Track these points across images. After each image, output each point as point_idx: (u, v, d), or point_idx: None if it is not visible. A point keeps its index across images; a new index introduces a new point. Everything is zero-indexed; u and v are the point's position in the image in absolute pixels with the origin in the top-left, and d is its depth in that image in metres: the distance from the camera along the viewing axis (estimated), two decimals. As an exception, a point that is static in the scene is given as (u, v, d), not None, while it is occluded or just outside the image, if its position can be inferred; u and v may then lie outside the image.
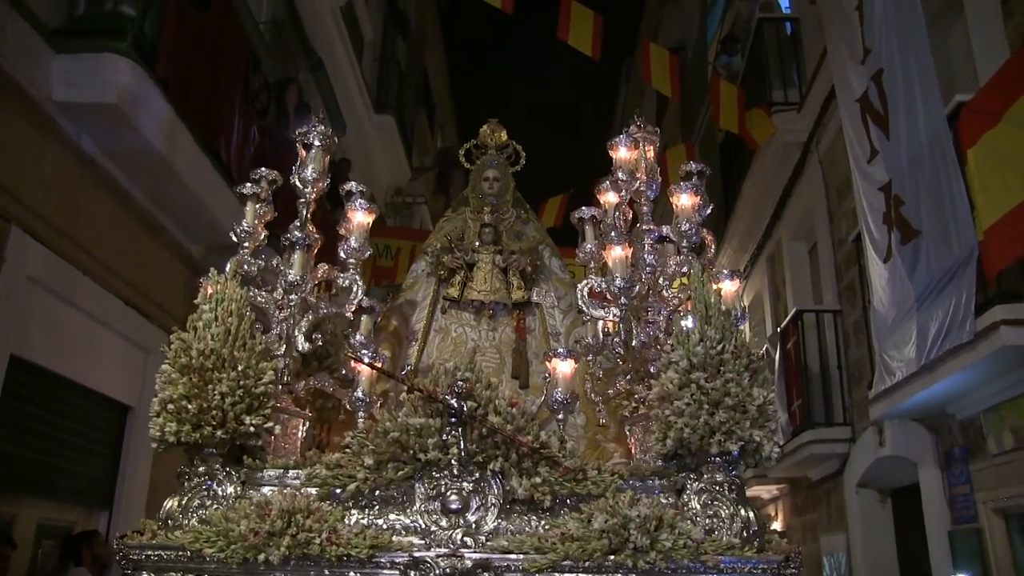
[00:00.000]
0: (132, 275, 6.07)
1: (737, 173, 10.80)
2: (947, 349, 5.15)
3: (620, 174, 3.94)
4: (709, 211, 3.89)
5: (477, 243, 4.73)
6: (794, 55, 9.67)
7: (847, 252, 8.16)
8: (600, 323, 3.91)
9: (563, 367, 3.56)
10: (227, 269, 3.60)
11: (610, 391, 3.92)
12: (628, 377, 3.79)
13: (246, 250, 3.81)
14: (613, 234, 3.70)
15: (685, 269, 3.73)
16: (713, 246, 3.99)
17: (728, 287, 3.70)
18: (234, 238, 3.83)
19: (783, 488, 10.54)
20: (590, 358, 3.99)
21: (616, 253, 3.63)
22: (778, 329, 9.20)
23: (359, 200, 4.03)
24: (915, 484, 6.83)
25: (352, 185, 4.19)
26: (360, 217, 3.99)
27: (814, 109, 8.73)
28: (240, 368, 3.27)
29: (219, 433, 3.20)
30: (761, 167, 9.88)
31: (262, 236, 3.91)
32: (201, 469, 3.26)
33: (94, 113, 5.19)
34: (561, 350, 3.61)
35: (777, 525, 10.56)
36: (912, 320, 5.67)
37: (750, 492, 10.48)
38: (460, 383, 3.27)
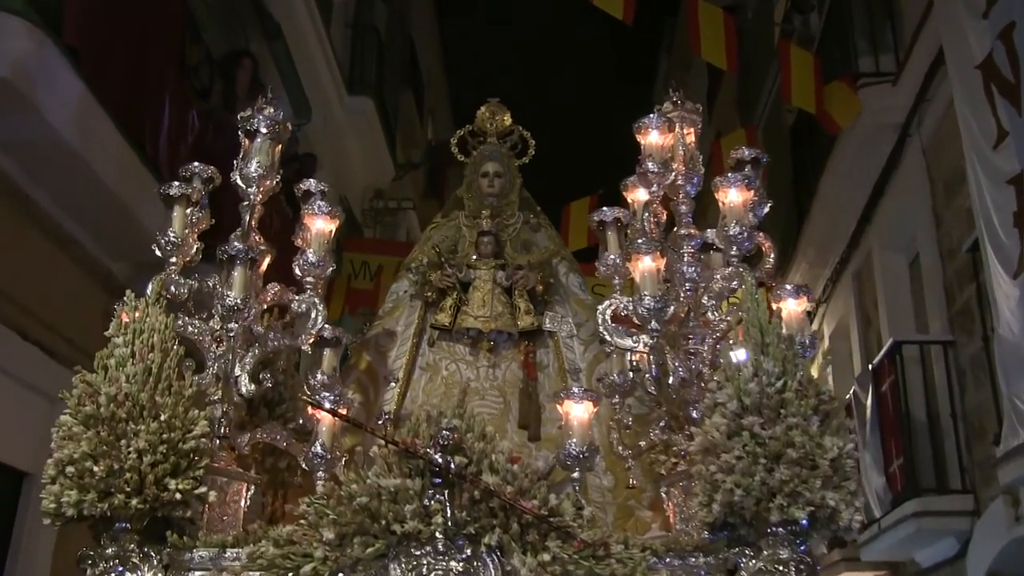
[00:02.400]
0: (33, 301, 6.09)
1: (813, 165, 10.80)
2: (1107, 392, 5.07)
3: (651, 164, 3.97)
4: (767, 210, 3.92)
5: (474, 256, 4.79)
6: (887, 10, 9.68)
7: (960, 265, 8.10)
8: (628, 355, 3.92)
9: (578, 411, 3.57)
10: (148, 291, 3.64)
11: (643, 443, 3.93)
12: (663, 424, 3.80)
13: (173, 267, 3.86)
14: (641, 241, 3.73)
15: (735, 284, 3.74)
16: (772, 254, 4.01)
17: (792, 307, 3.71)
18: (158, 252, 3.89)
19: None
20: (616, 401, 4.00)
21: (645, 265, 3.65)
22: (870, 366, 9.14)
23: (319, 202, 4.09)
24: (1074, 575, 6.68)
25: (310, 184, 4.24)
26: (320, 224, 4.04)
27: (915, 80, 8.71)
28: (164, 418, 3.30)
29: (134, 503, 3.21)
30: (844, 157, 9.86)
31: (194, 249, 3.97)
32: (110, 551, 3.26)
33: (-19, 90, 5.27)
34: (576, 389, 3.63)
35: (876, 623, 10.43)
36: (1054, 352, 5.61)
37: (839, 580, 10.36)
38: (446, 433, 3.28)
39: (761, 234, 3.94)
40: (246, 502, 3.80)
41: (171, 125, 6.84)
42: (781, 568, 3.17)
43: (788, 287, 3.75)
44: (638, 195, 4.17)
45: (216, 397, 3.69)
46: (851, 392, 9.11)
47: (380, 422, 4.22)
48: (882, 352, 8.86)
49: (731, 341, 3.61)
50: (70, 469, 3.25)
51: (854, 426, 9.19)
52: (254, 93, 8.66)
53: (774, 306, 3.72)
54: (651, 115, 4.05)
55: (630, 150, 4.18)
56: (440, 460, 3.25)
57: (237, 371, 3.75)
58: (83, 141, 5.75)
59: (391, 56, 14.17)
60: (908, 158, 9.11)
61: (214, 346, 3.80)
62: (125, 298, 3.60)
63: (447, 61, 19.50)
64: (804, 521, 3.16)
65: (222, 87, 8.23)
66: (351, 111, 12.25)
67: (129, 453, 3.24)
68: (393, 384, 4.54)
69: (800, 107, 9.94)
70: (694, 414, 3.63)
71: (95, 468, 3.23)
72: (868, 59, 9.53)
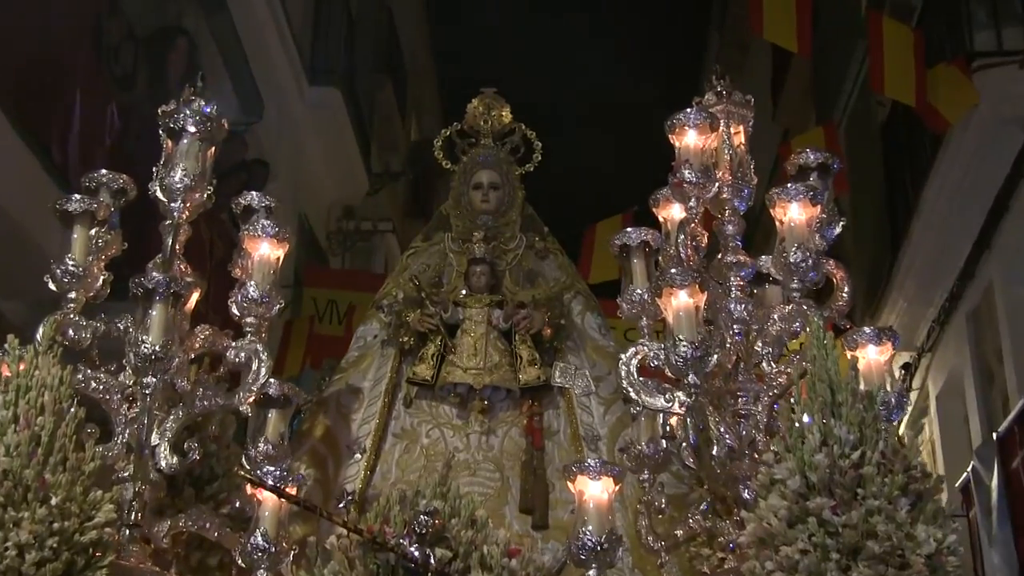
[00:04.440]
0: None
1: (913, 173, 10.78)
2: None
3: (688, 172, 3.99)
4: (838, 231, 3.94)
5: (463, 291, 4.82)
6: (1013, -27, 9.71)
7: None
8: (661, 419, 3.94)
9: (594, 490, 3.58)
10: (38, 335, 3.67)
11: (679, 532, 3.94)
12: (705, 508, 3.81)
13: (72, 305, 3.90)
14: (675, 271, 3.74)
15: (797, 327, 3.76)
16: (846, 287, 4.03)
17: (872, 356, 3.74)
18: (52, 284, 3.93)
19: None
20: (645, 477, 4.02)
21: (680, 301, 3.67)
22: (994, 435, 9.09)
23: (263, 221, 4.13)
24: None
25: (252, 198, 4.30)
26: (264, 249, 4.09)
27: (1051, 60, 8.74)
28: (56, 501, 3.30)
29: (14, 614, 3.22)
30: (955, 162, 9.84)
31: (100, 281, 4.02)
32: None
33: None
34: (591, 462, 3.64)
35: None
36: None
37: None
38: (424, 518, 3.32)
39: (831, 261, 3.96)
40: (166, 610, 3.81)
41: (84, 123, 6.90)
42: None
43: (867, 331, 3.78)
44: (672, 212, 4.21)
45: (127, 474, 3.71)
46: (969, 469, 9.04)
47: (341, 505, 4.23)
48: (1011, 416, 8.78)
49: (792, 400, 3.61)
50: (-71, 570, 3.26)
51: (974, 514, 9.11)
52: (190, 81, 8.75)
53: (849, 355, 3.74)
54: (688, 110, 4.07)
55: (669, 155, 4.20)
56: (416, 553, 3.29)
57: (155, 439, 3.77)
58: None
59: (364, 36, 14.25)
60: (1041, 162, 9.10)
61: (125, 407, 3.82)
62: (7, 344, 3.62)
63: (436, 41, 19.51)
64: (890, 636, 3.17)
65: (149, 74, 8.30)
66: (314, 105, 12.30)
67: (7, 549, 3.24)
68: (358, 456, 4.56)
69: (895, 98, 9.94)
70: (745, 494, 3.63)
71: (-38, 569, 3.24)
72: (987, 34, 9.51)
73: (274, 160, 10.85)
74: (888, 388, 3.68)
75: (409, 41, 17.57)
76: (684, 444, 3.78)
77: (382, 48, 15.28)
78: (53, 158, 6.53)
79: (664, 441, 3.97)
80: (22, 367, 3.51)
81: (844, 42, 11.71)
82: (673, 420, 3.91)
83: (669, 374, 3.74)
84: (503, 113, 5.09)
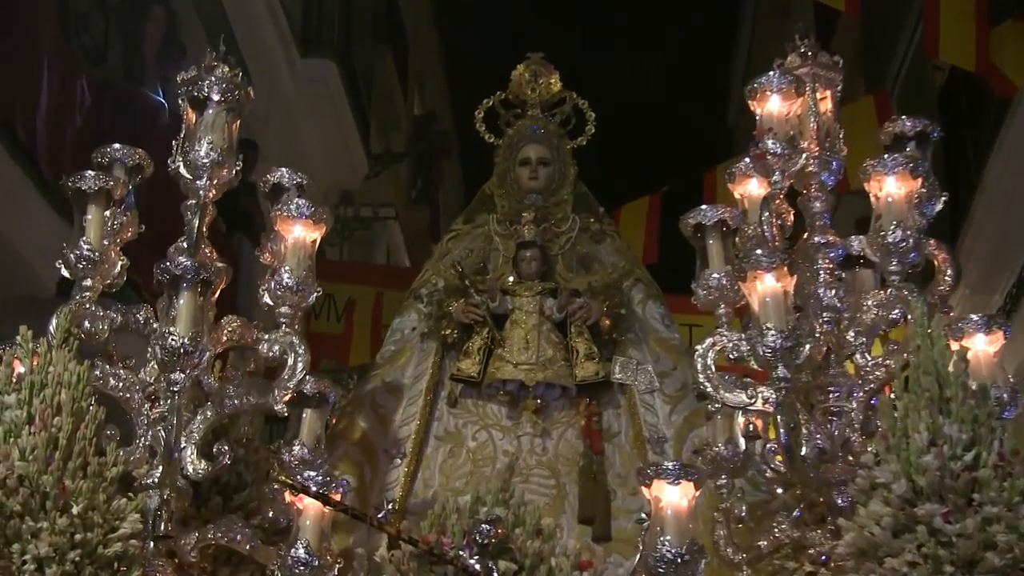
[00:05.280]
0: None
1: (975, 145, 10.78)
2: None
3: (771, 143, 3.96)
4: (939, 207, 3.92)
5: (511, 278, 4.82)
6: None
7: None
8: (739, 417, 3.93)
9: (672, 496, 3.55)
10: (52, 328, 3.66)
11: (763, 543, 3.91)
12: (796, 515, 3.79)
13: (88, 293, 3.88)
14: (760, 252, 3.72)
15: (896, 314, 3.75)
16: (950, 271, 4.03)
17: (982, 345, 3.73)
18: (64, 271, 3.91)
19: None
20: (723, 482, 4.00)
21: (766, 285, 3.65)
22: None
23: (296, 201, 4.11)
24: None
25: (281, 175, 4.28)
26: (299, 231, 4.07)
27: None
28: (77, 511, 3.29)
29: (31, 635, 3.20)
30: (1023, 131, 9.87)
31: (118, 267, 4.00)
32: None
33: None
34: (669, 466, 3.61)
35: None
36: None
37: None
38: (486, 527, 3.33)
39: (933, 241, 3.95)
40: (193, 631, 3.80)
41: (51, 101, 6.89)
42: None
43: (974, 319, 3.76)
44: (750, 188, 4.20)
45: (152, 480, 3.69)
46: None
47: (380, 515, 4.22)
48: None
49: (892, 396, 3.59)
50: (-64, 588, 3.24)
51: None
52: (167, 55, 8.71)
53: (954, 345, 3.73)
54: (771, 73, 4.04)
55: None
56: (478, 566, 3.28)
57: (181, 442, 3.75)
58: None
59: (361, 1, 14.23)
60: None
61: (147, 407, 3.81)
62: (18, 338, 3.60)
63: (439, 5, 19.47)
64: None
65: (122, 46, 8.28)
66: (306, 80, 12.26)
67: (25, 563, 3.24)
68: (398, 461, 4.57)
69: (952, 63, 9.95)
70: (840, 501, 3.62)
71: (-27, 585, 3.23)
72: (1058, -11, 9.53)
73: (263, 141, 10.79)
74: (1000, 383, 3.67)
75: (410, 6, 17.55)
76: (769, 445, 3.78)
77: (380, 14, 15.25)
78: (18, 138, 6.50)
79: (744, 442, 3.94)
80: (36, 363, 3.49)
81: (897, 1, 11.70)
82: (754, 418, 3.90)
83: (755, 366, 3.74)
84: (551, 81, 5.08)
